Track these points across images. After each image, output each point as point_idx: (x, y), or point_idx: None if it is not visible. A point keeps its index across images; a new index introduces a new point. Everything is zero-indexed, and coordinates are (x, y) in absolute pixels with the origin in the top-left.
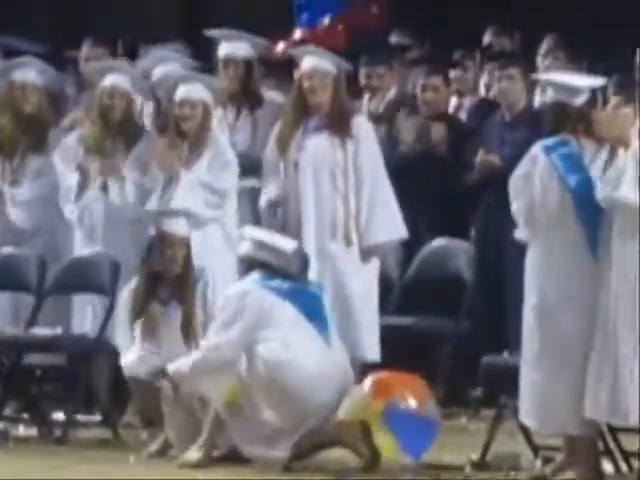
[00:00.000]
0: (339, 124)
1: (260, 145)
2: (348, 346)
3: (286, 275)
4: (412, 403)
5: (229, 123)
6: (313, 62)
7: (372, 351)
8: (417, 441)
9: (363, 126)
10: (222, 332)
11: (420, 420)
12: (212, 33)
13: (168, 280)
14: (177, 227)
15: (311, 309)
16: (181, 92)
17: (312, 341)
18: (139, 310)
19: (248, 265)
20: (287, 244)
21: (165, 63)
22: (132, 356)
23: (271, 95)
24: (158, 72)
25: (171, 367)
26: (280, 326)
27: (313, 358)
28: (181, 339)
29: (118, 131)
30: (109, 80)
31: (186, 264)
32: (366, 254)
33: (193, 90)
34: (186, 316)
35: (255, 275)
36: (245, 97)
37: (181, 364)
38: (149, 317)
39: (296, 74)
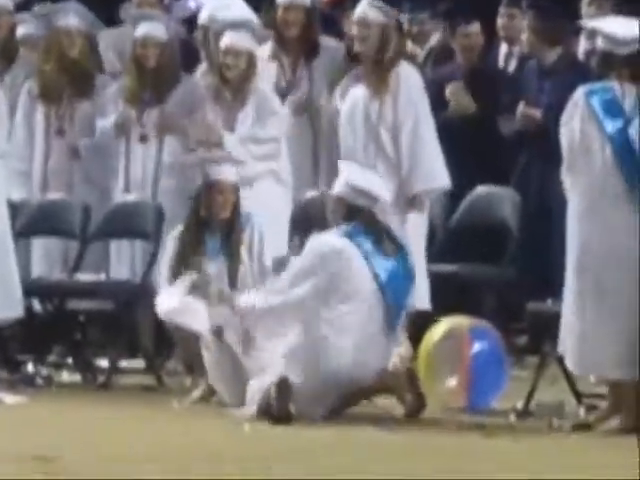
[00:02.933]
0: (377, 75)
1: (317, 95)
2: None
3: (377, 230)
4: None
5: (287, 77)
6: (360, 11)
7: (422, 300)
8: (494, 371)
9: (407, 73)
10: (294, 284)
11: (501, 349)
12: None
13: (216, 228)
14: (226, 174)
15: (393, 289)
16: (226, 40)
17: (367, 326)
18: (185, 261)
19: (340, 206)
20: (384, 193)
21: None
22: (172, 302)
23: (327, 41)
24: (204, 16)
25: (241, 303)
26: (349, 299)
27: (353, 346)
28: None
29: (153, 80)
30: (142, 29)
31: (235, 210)
32: (409, 204)
33: (239, 38)
34: (233, 265)
35: (346, 228)
36: (304, 45)
37: (249, 305)
38: (197, 273)
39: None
